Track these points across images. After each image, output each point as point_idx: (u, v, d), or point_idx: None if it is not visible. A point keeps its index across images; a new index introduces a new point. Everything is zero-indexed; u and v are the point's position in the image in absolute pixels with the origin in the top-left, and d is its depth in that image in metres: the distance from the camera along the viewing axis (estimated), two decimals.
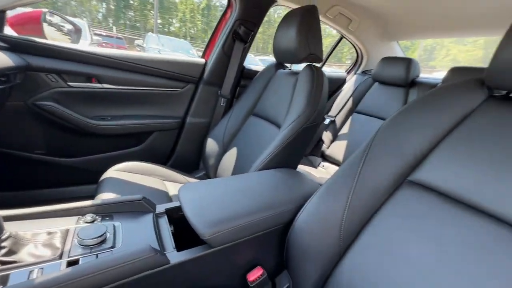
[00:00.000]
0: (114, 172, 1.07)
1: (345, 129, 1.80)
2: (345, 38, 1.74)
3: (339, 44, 1.87)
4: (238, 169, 1.16)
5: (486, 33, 1.47)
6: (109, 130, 1.24)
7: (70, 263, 0.49)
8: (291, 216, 0.71)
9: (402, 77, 1.53)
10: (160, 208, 0.73)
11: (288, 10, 1.21)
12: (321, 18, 1.49)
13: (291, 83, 1.13)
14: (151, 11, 24.80)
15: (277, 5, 1.36)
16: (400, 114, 0.65)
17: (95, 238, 0.54)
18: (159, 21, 24.11)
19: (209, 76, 1.39)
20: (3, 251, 0.47)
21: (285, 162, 0.99)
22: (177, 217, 0.75)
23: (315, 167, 1.88)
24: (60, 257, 0.50)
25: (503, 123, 0.52)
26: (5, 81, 0.90)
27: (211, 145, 1.33)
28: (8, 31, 1.02)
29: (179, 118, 1.43)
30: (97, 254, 0.52)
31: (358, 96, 1.80)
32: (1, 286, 0.42)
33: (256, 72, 1.51)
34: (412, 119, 0.63)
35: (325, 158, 1.90)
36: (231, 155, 1.24)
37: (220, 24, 1.37)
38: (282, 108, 1.11)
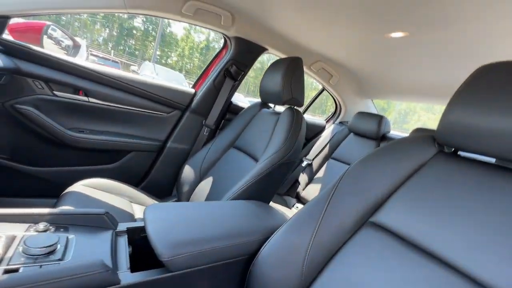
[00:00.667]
0: (80, 186, 1.02)
1: (320, 173, 1.87)
2: (326, 90, 1.92)
3: (325, 98, 2.06)
4: (212, 198, 1.15)
5: (438, 101, 1.74)
6: (85, 143, 1.21)
7: (8, 271, 0.45)
8: (255, 247, 0.70)
9: (374, 131, 1.68)
10: (122, 226, 0.70)
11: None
12: (306, 70, 1.65)
13: (272, 122, 1.20)
14: (152, 43, 26.00)
15: (268, 53, 1.51)
16: (365, 159, 0.72)
17: (42, 248, 0.51)
18: (158, 52, 25.15)
19: (197, 105, 1.44)
20: None
21: (258, 195, 1.01)
22: (139, 239, 0.72)
23: (290, 207, 1.89)
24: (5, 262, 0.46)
25: (449, 176, 0.59)
26: None
27: (187, 171, 1.32)
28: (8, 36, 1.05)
29: (160, 142, 1.43)
30: (41, 265, 0.49)
31: (334, 144, 1.91)
32: None
33: (242, 108, 1.59)
34: (375, 165, 0.69)
35: (300, 199, 1.93)
36: (206, 184, 1.24)
37: (214, 60, 1.49)
38: (262, 144, 1.16)
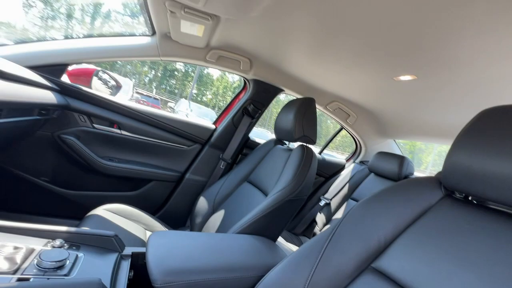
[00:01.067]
0: (101, 210, 1.11)
1: (338, 214, 1.79)
2: (344, 129, 1.93)
3: (346, 135, 2.05)
4: (221, 231, 1.16)
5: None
6: (112, 170, 1.34)
7: (20, 279, 0.51)
8: (251, 284, 0.69)
9: (395, 172, 1.61)
10: (128, 250, 0.75)
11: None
12: (322, 109, 1.71)
13: (284, 158, 1.23)
14: (190, 82, 28.52)
15: (284, 93, 1.61)
16: (368, 201, 0.70)
17: (53, 262, 0.57)
18: (194, 91, 27.40)
19: (216, 140, 1.54)
20: None
21: (264, 230, 1.00)
22: (142, 264, 0.75)
23: None
24: (14, 272, 0.53)
25: (455, 223, 0.56)
26: (45, 114, 1.08)
27: (202, 203, 1.37)
28: (65, 78, 1.28)
29: (179, 173, 1.52)
30: (49, 278, 0.54)
31: (354, 184, 1.85)
32: None
33: (258, 143, 1.65)
34: (378, 208, 0.68)
35: None
36: (218, 216, 1.26)
37: (235, 100, 1.61)
38: (273, 179, 1.18)
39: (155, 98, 12.21)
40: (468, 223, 0.55)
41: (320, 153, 2.09)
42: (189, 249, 0.74)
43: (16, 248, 0.58)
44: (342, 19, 0.79)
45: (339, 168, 2.06)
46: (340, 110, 1.69)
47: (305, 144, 1.23)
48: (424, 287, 0.49)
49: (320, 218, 1.85)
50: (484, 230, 0.53)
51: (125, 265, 0.70)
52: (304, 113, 1.22)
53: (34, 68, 1.09)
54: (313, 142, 1.26)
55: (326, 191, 1.97)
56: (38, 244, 0.63)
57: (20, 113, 0.92)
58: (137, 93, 10.94)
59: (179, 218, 1.53)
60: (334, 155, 2.26)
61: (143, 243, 1.06)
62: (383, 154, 1.74)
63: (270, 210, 1.01)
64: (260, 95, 1.54)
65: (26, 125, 1.00)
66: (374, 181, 1.76)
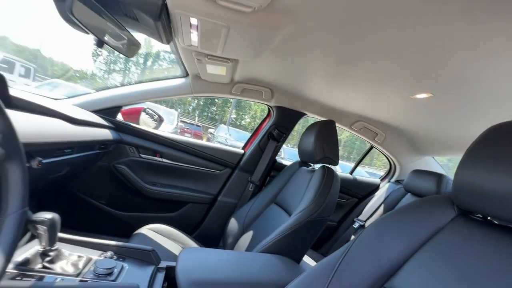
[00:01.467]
0: (145, 229, 1.28)
1: None
2: (375, 148, 1.89)
3: None
4: (250, 250, 1.23)
5: None
6: (156, 194, 1.53)
7: (81, 281, 0.66)
8: None
9: (433, 191, 1.51)
10: (163, 264, 0.87)
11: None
12: (348, 129, 1.72)
13: (307, 179, 1.28)
14: (230, 108, 30.07)
15: (307, 116, 1.68)
16: (381, 221, 0.72)
17: (105, 269, 0.71)
18: (233, 116, 28.71)
19: (244, 164, 1.66)
20: (48, 258, 0.68)
21: (287, 250, 1.04)
22: (173, 277, 0.85)
23: None
24: (77, 275, 0.68)
25: (467, 243, 0.55)
26: (103, 148, 1.32)
27: (233, 224, 1.46)
28: (119, 116, 1.55)
29: (213, 195, 1.66)
30: (101, 281, 0.68)
31: (389, 204, 1.76)
32: (35, 280, 0.61)
33: (285, 166, 1.72)
34: (390, 228, 0.69)
35: None
36: (247, 236, 1.34)
37: (260, 126, 1.74)
38: (296, 200, 1.23)
39: (197, 125, 13.15)
40: (480, 242, 0.54)
41: (351, 173, 2.06)
42: (214, 264, 0.83)
43: (79, 257, 0.74)
44: (358, 48, 0.84)
45: (373, 188, 1.98)
46: (366, 129, 1.69)
47: (327, 165, 1.26)
48: None
49: None
50: (497, 249, 0.52)
51: (160, 276, 0.81)
52: (324, 135, 1.27)
53: (97, 112, 1.36)
54: (335, 163, 1.28)
55: (360, 213, 1.90)
56: (94, 255, 0.79)
57: (86, 149, 1.16)
58: (181, 121, 11.93)
59: (212, 237, 1.63)
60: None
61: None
62: (418, 172, 1.65)
63: (291, 230, 1.05)
64: (284, 120, 1.64)
65: (90, 158, 1.24)
66: (411, 201, 1.66)
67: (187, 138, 1.63)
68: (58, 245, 0.71)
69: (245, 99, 1.55)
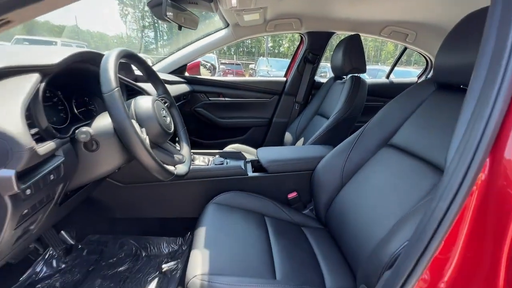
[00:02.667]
0: (228, 148, 1.85)
1: None
2: (409, 48, 1.97)
3: None
4: None
5: None
6: (226, 124, 2.08)
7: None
8: (316, 164, 1.21)
9: None
10: (248, 159, 1.40)
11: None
12: (377, 37, 1.84)
13: (340, 89, 1.60)
14: (264, 37, 28.24)
15: (336, 34, 1.85)
16: (388, 104, 1.06)
17: (220, 161, 1.26)
18: (270, 44, 27.09)
19: (288, 89, 2.02)
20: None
21: (329, 142, 1.47)
22: (258, 166, 1.37)
23: None
24: (207, 164, 1.25)
25: (438, 105, 0.88)
26: (185, 98, 1.84)
27: (288, 137, 1.94)
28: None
29: (268, 118, 2.12)
30: (219, 166, 1.24)
31: None
32: (192, 162, 1.19)
33: (322, 83, 2.02)
34: (394, 106, 1.04)
35: None
36: (300, 143, 1.81)
37: (296, 54, 2.00)
38: (333, 107, 1.59)
39: (236, 64, 13.24)
40: (448, 104, 0.87)
41: (387, 77, 2.21)
42: (280, 150, 1.33)
43: (203, 160, 1.31)
44: None
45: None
46: (396, 32, 1.79)
47: (356, 74, 1.54)
48: (421, 149, 0.85)
49: None
50: (453, 105, 0.85)
51: (249, 165, 1.35)
52: (350, 49, 1.52)
53: (172, 73, 1.84)
54: (363, 71, 1.55)
55: None
56: (213, 156, 1.35)
57: (176, 100, 1.68)
58: (222, 63, 12.16)
59: None
60: None
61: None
62: None
63: (331, 127, 1.46)
64: (315, 43, 1.87)
65: (179, 107, 1.79)
66: None
67: (237, 78, 2.04)
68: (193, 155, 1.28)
69: (279, 32, 1.81)
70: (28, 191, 0.48)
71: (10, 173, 0.43)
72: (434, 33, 1.75)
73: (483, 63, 0.42)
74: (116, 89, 0.58)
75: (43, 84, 0.56)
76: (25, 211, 0.51)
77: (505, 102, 0.38)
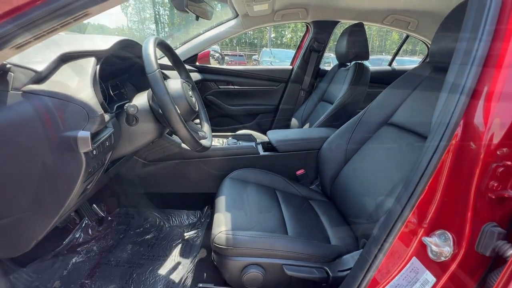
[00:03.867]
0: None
1: None
2: (411, 36, 2.04)
3: None
4: None
5: None
6: (236, 111, 2.19)
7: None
8: (321, 144, 1.33)
9: None
10: (258, 141, 1.52)
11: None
12: (380, 25, 1.92)
13: (344, 76, 1.70)
14: (267, 28, 27.94)
15: (341, 23, 1.93)
16: (389, 87, 1.16)
17: (233, 142, 1.38)
18: (272, 35, 26.82)
19: (294, 77, 2.12)
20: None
21: (333, 124, 1.58)
22: (268, 147, 1.49)
23: None
24: (222, 145, 1.36)
25: (429, 86, 0.98)
26: (196, 87, 1.95)
27: (294, 122, 2.05)
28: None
29: (275, 105, 2.23)
30: (232, 145, 1.36)
31: None
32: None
33: (327, 71, 2.11)
34: (393, 91, 1.14)
35: None
36: (306, 126, 1.92)
37: (302, 43, 2.09)
38: (337, 93, 1.69)
39: (239, 55, 13.22)
40: (441, 84, 0.96)
41: (389, 64, 2.29)
42: (291, 133, 1.45)
43: (218, 141, 1.43)
44: None
45: None
46: (398, 20, 1.86)
47: (359, 61, 1.63)
48: (416, 126, 0.96)
49: None
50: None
51: (260, 146, 1.46)
52: (354, 37, 1.60)
53: (183, 62, 1.94)
54: (365, 58, 1.64)
55: None
56: (226, 138, 1.47)
57: None
58: (226, 55, 12.15)
59: None
60: None
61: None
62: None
63: (335, 111, 1.57)
64: (320, 32, 1.95)
65: None
66: None
67: (246, 66, 2.13)
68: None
69: (286, 22, 1.89)
70: (94, 152, 0.61)
71: (87, 134, 0.55)
72: (435, 20, 1.82)
73: (461, 48, 0.53)
74: (158, 70, 0.70)
75: (98, 66, 0.67)
76: (90, 169, 0.64)
77: (474, 79, 0.49)
